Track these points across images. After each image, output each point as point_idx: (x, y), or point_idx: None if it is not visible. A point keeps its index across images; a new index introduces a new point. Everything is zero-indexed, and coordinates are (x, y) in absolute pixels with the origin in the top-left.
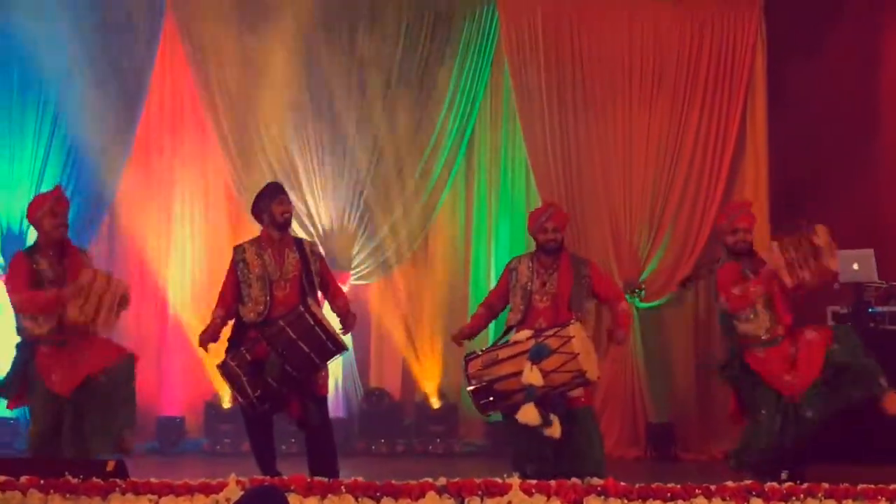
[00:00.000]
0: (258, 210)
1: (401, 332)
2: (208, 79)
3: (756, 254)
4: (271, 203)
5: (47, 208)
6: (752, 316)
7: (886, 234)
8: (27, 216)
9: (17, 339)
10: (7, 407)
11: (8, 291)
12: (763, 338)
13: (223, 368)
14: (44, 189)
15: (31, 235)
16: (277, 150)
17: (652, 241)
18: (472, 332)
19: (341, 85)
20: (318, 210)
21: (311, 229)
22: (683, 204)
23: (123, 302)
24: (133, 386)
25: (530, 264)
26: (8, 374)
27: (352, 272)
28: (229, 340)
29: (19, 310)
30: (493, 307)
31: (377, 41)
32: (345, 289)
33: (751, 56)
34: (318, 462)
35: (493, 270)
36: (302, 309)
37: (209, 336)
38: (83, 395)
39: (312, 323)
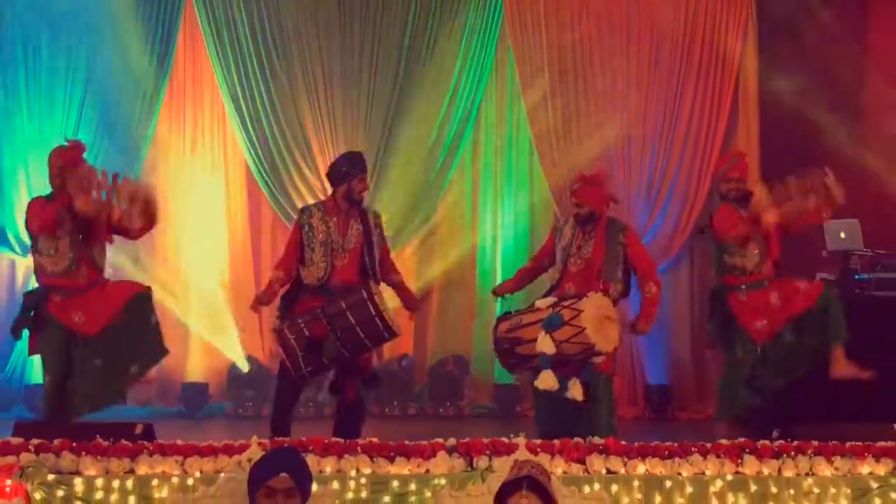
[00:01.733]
0: (336, 177)
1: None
2: (225, 54)
3: (751, 201)
4: (354, 177)
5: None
6: (742, 251)
7: (872, 204)
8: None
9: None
10: (29, 353)
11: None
12: (750, 270)
13: (280, 336)
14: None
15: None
16: (293, 127)
17: (649, 213)
18: (511, 287)
19: (353, 66)
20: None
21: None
22: (679, 177)
23: (142, 200)
24: (153, 319)
25: (573, 226)
26: (17, 317)
27: None
28: (283, 298)
29: (30, 227)
30: (539, 262)
31: (387, 24)
32: None
33: (742, 36)
34: (346, 433)
35: (500, 243)
36: (365, 295)
37: (267, 298)
38: (106, 335)
39: (374, 313)
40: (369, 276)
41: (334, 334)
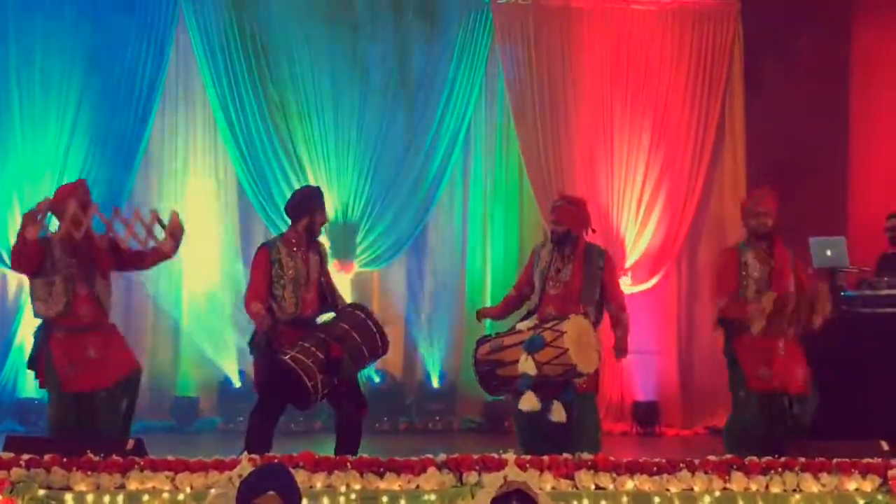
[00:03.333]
0: (298, 210)
1: (401, 317)
2: (217, 70)
3: (773, 237)
4: (316, 210)
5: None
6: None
7: (857, 221)
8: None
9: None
10: (40, 386)
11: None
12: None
13: (292, 362)
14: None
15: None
16: (285, 143)
17: (637, 229)
18: (496, 313)
19: (344, 83)
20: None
21: None
22: (667, 193)
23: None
24: (134, 398)
25: (551, 249)
26: (31, 352)
27: (356, 260)
28: (256, 332)
29: (14, 264)
30: (520, 290)
31: (378, 42)
32: (349, 276)
33: (729, 54)
34: (348, 447)
35: (489, 258)
36: (363, 315)
37: (270, 326)
38: (92, 399)
39: (374, 330)
40: (328, 303)
41: (348, 355)
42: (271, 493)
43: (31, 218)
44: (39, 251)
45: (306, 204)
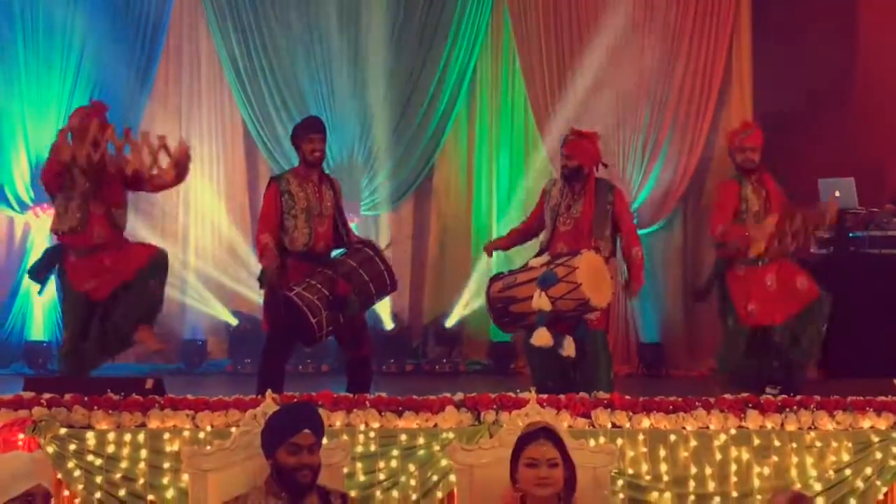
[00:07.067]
0: (293, 143)
1: (408, 261)
2: (222, 12)
3: (762, 171)
4: (302, 141)
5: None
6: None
7: (865, 163)
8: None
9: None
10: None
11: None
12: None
13: (297, 299)
14: None
15: None
16: (290, 85)
17: (643, 172)
18: (504, 245)
19: (350, 25)
20: (329, 145)
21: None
22: (673, 135)
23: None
24: (162, 279)
25: (562, 187)
26: (36, 263)
27: (361, 203)
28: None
29: (46, 186)
30: (529, 226)
31: None
32: (355, 219)
33: None
34: (360, 385)
35: (495, 201)
36: (372, 252)
37: (275, 262)
38: (117, 297)
39: (382, 268)
40: (342, 239)
41: (354, 291)
42: (307, 431)
43: (60, 147)
44: (62, 170)
45: (295, 134)
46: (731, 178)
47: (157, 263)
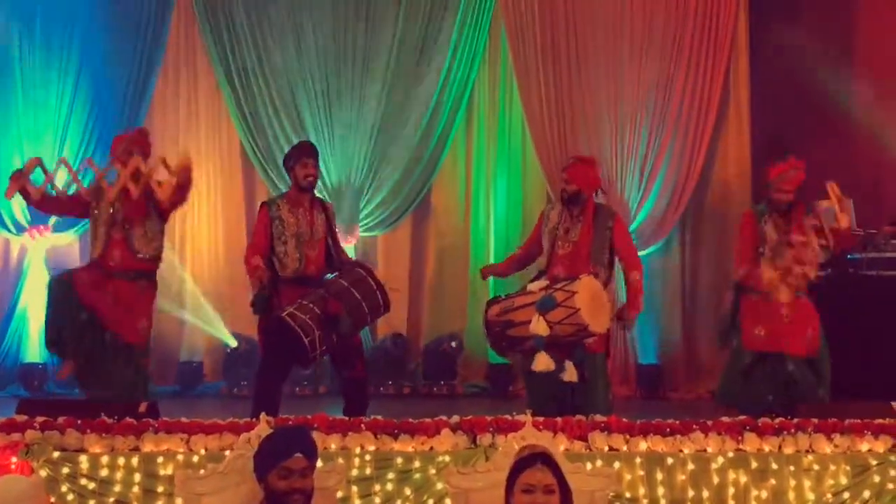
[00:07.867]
0: (286, 167)
1: (405, 281)
2: (219, 32)
3: (795, 205)
4: (295, 165)
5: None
6: None
7: (862, 185)
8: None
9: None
10: (57, 376)
11: None
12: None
13: (290, 320)
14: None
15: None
16: (287, 105)
17: (642, 192)
18: (500, 271)
19: (347, 47)
20: (327, 166)
21: (321, 184)
22: (672, 156)
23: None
24: (140, 370)
25: (560, 210)
26: (49, 322)
27: (360, 224)
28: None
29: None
30: (528, 250)
31: (381, 5)
32: (353, 240)
33: (734, 16)
34: (356, 408)
35: (492, 222)
36: (364, 272)
37: (265, 285)
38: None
39: (374, 287)
40: (334, 263)
41: (346, 311)
42: (298, 455)
43: (15, 178)
44: (71, 201)
45: (287, 158)
46: (752, 210)
47: (147, 349)
